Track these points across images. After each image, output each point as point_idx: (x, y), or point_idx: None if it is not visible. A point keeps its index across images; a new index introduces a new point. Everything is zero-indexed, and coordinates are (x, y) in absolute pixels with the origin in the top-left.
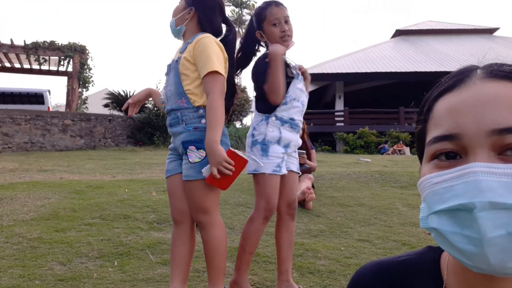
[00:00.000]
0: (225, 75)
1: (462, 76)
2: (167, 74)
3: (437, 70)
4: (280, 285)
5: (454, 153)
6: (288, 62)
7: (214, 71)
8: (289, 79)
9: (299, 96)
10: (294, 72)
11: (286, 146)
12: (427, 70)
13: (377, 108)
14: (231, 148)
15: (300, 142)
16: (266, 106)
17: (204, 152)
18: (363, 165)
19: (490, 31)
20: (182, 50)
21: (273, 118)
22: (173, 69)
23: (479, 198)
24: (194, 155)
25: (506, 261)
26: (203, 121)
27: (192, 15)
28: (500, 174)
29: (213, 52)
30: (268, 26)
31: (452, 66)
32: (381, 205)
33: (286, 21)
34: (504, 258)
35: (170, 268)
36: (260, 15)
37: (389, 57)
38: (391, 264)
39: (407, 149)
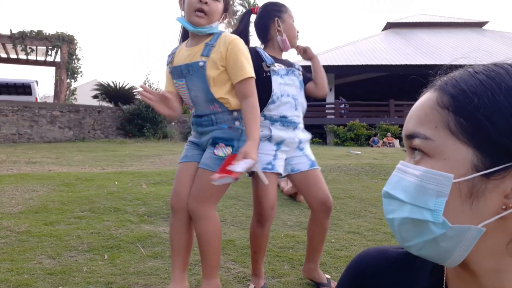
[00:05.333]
0: None
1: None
2: (184, 77)
3: (427, 63)
4: (307, 271)
5: None
6: (262, 57)
7: (250, 77)
8: (265, 73)
9: (286, 91)
10: (273, 68)
11: (279, 143)
12: (417, 63)
13: (368, 100)
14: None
15: (304, 137)
16: None
17: (231, 150)
18: (353, 158)
19: (479, 24)
20: (206, 53)
21: (262, 118)
22: (196, 73)
23: (384, 187)
24: (221, 150)
25: (401, 240)
26: (237, 123)
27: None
28: (401, 171)
29: (246, 56)
30: (289, 19)
31: (441, 59)
32: (371, 197)
33: None
34: (399, 237)
35: (161, 261)
36: (282, 6)
37: (380, 50)
38: (394, 254)
39: (396, 142)
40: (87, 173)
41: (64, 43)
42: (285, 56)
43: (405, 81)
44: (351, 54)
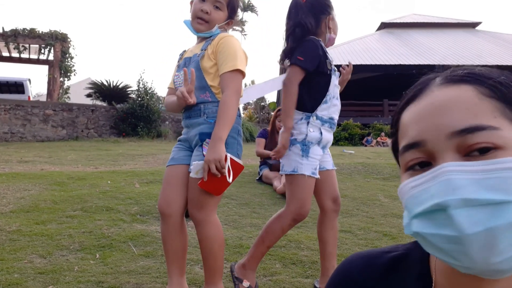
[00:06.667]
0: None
1: (422, 86)
2: (184, 67)
3: (421, 63)
4: (325, 282)
5: (426, 162)
6: (326, 53)
7: (236, 70)
8: (328, 71)
9: (336, 93)
10: (334, 68)
11: (324, 147)
12: (411, 63)
13: (362, 100)
14: (228, 154)
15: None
16: (308, 104)
17: None
18: (347, 157)
19: (472, 25)
20: (204, 47)
21: (314, 117)
22: (193, 63)
23: (451, 196)
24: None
25: (489, 257)
26: None
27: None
28: (471, 172)
29: (238, 51)
30: (335, 17)
31: (435, 59)
32: (363, 196)
33: None
34: (486, 254)
35: (153, 260)
36: (331, 2)
37: (374, 50)
38: (379, 259)
39: (390, 141)
40: (79, 172)
41: (57, 41)
42: None
43: (399, 81)
44: (346, 53)
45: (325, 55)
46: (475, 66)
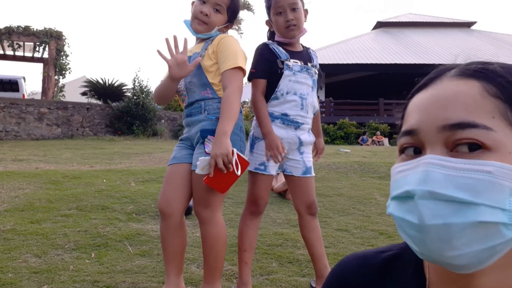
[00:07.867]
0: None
1: (435, 75)
2: None
3: (416, 62)
4: (320, 283)
5: (419, 148)
6: (276, 53)
7: (238, 67)
8: (280, 69)
9: (295, 89)
10: (287, 63)
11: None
12: (407, 62)
13: (358, 99)
14: (234, 149)
15: (306, 139)
16: None
17: None
18: (342, 156)
19: (467, 24)
20: (205, 47)
21: None
22: (194, 60)
23: (421, 186)
24: (211, 144)
25: (443, 250)
26: None
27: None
28: (449, 168)
29: (238, 50)
30: (273, 14)
31: (430, 58)
32: (359, 195)
33: (294, 9)
34: (441, 246)
35: (149, 259)
36: (267, 2)
37: (370, 49)
38: (374, 259)
39: (385, 140)
40: (75, 171)
41: (52, 39)
42: (308, 43)
43: (395, 80)
44: (342, 52)
45: (274, 56)
46: (494, 62)
